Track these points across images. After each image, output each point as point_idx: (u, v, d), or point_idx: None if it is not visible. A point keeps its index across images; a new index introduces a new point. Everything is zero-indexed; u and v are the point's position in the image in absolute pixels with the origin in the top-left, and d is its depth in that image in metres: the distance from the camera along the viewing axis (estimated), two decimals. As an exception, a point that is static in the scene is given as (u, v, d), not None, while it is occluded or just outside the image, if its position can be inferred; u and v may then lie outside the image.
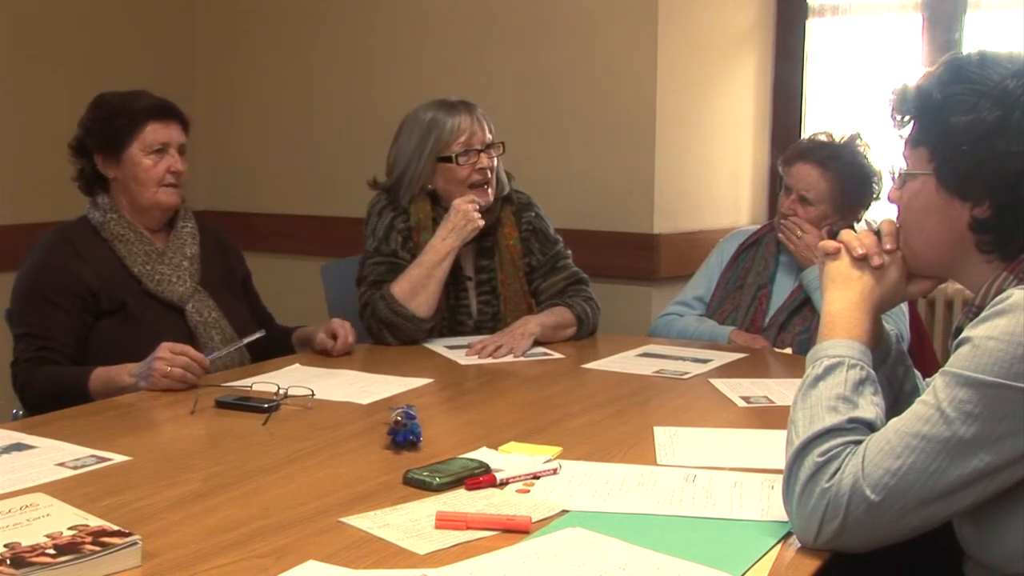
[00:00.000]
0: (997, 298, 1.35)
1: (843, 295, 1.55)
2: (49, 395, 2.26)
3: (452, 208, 2.70)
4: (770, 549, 1.38)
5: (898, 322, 2.70)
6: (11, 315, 2.46)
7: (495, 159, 2.79)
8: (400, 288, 2.67)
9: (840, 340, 1.49)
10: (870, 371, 1.47)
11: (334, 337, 2.56)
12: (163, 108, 2.49)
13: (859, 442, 1.37)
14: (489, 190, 2.77)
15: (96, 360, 2.34)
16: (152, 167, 2.46)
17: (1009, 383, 1.28)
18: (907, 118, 1.51)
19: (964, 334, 1.34)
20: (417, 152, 2.75)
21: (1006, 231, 1.41)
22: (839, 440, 1.38)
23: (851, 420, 1.39)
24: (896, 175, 1.53)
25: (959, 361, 1.32)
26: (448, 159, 2.73)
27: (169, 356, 2.20)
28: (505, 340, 2.62)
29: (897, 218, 1.56)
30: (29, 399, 2.34)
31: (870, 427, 1.40)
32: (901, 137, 1.53)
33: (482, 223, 2.71)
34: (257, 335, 2.45)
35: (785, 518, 1.42)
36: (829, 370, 1.45)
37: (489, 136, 2.77)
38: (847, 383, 1.44)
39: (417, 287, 2.67)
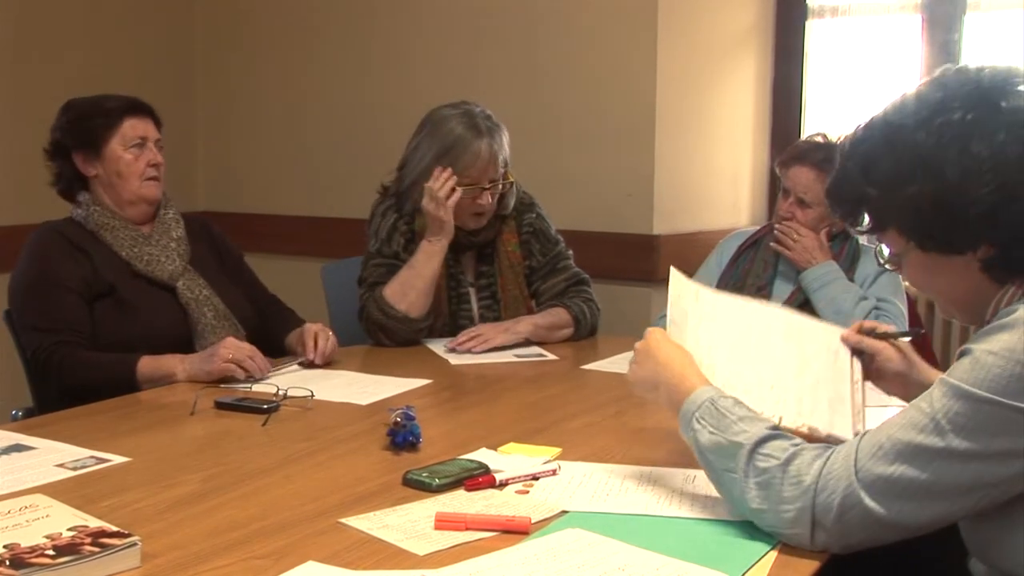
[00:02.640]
0: (1004, 311, 1.34)
1: (664, 375, 1.58)
2: (91, 380, 2.27)
3: (429, 217, 2.66)
4: (769, 550, 1.38)
5: (898, 322, 2.70)
6: (19, 312, 2.44)
7: (497, 194, 2.76)
8: (391, 289, 2.68)
9: (692, 392, 1.51)
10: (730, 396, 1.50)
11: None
12: (137, 105, 2.52)
13: (797, 444, 1.40)
14: (483, 218, 2.76)
15: (92, 344, 2.36)
16: (133, 161, 2.48)
17: (1005, 401, 1.26)
18: (857, 216, 1.49)
19: (967, 345, 1.33)
20: (431, 168, 2.71)
21: (1018, 263, 1.38)
22: (778, 443, 1.40)
23: (770, 427, 1.43)
24: (883, 256, 1.52)
25: (958, 372, 1.31)
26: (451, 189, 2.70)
27: (235, 346, 2.28)
28: (484, 330, 2.64)
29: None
30: (68, 382, 2.30)
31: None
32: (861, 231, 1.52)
33: (450, 220, 2.67)
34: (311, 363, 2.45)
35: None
36: (706, 411, 1.47)
37: (501, 170, 2.74)
38: (731, 408, 1.47)
39: (407, 287, 2.67)
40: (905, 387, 1.72)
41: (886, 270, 1.57)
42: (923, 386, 1.62)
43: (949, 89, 1.39)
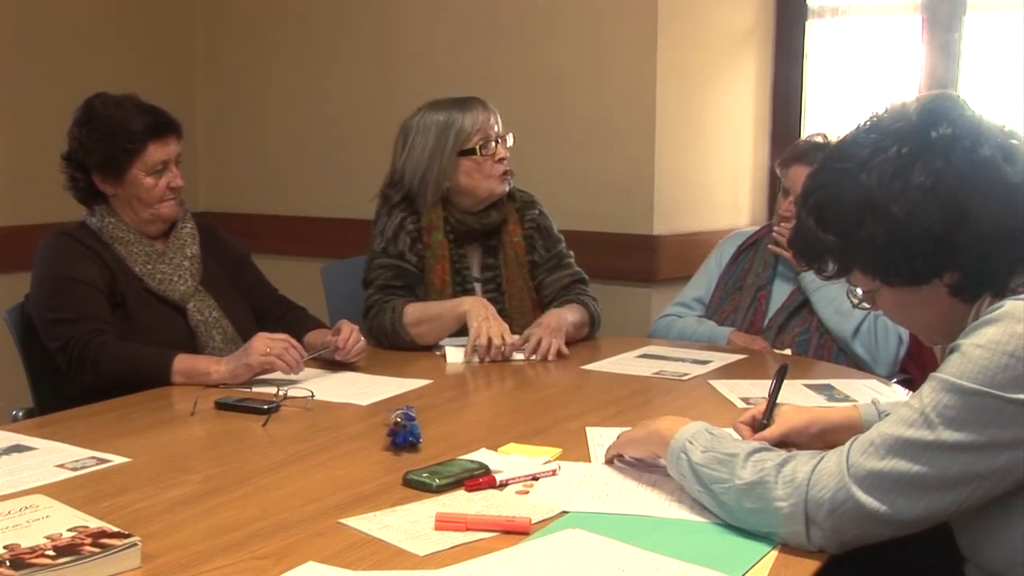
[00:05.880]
0: (991, 307, 1.36)
1: (658, 424, 1.61)
2: (126, 371, 2.28)
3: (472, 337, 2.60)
4: (769, 550, 1.38)
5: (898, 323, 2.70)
6: (43, 307, 2.40)
7: (509, 147, 2.82)
8: (412, 314, 2.68)
9: (686, 425, 1.54)
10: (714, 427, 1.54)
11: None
12: (161, 125, 2.46)
13: (779, 453, 1.43)
14: (506, 180, 2.80)
15: None
16: (154, 186, 2.45)
17: (993, 392, 1.28)
18: (822, 264, 1.52)
19: (956, 342, 1.36)
20: (437, 151, 2.75)
21: (984, 282, 1.41)
22: (772, 452, 1.43)
23: (755, 447, 1.45)
24: (856, 297, 1.55)
25: (947, 367, 1.33)
26: (471, 152, 2.75)
27: (269, 340, 2.26)
28: (545, 335, 2.60)
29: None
30: (104, 371, 2.28)
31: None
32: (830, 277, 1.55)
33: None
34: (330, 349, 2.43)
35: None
36: (700, 435, 1.50)
37: (500, 127, 2.81)
38: (725, 434, 1.51)
39: (430, 318, 2.68)
40: (825, 438, 1.69)
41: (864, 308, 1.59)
42: (848, 425, 1.68)
43: (882, 128, 1.44)
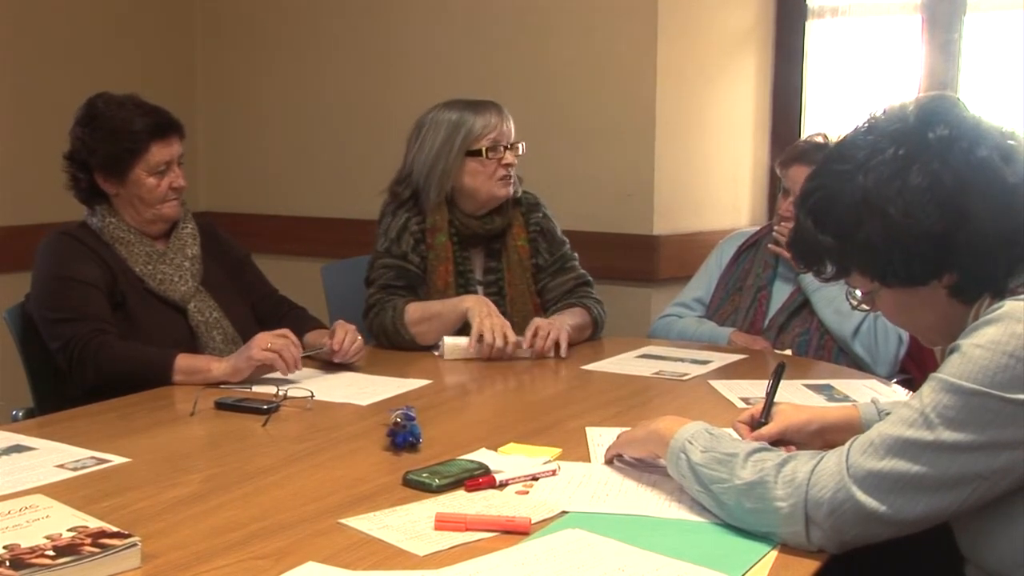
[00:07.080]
0: (990, 307, 1.36)
1: (658, 424, 1.61)
2: (127, 371, 2.28)
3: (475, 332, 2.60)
4: (769, 550, 1.38)
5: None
6: (43, 307, 2.39)
7: (518, 154, 2.82)
8: (413, 313, 2.68)
9: (686, 425, 1.55)
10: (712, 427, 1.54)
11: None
12: (164, 126, 2.46)
13: (779, 453, 1.43)
14: (511, 186, 2.80)
15: None
16: (156, 186, 2.45)
17: (992, 392, 1.28)
18: (821, 266, 1.52)
19: (956, 342, 1.36)
20: (445, 148, 2.75)
21: (982, 283, 1.41)
22: (772, 452, 1.44)
23: (754, 448, 1.45)
24: (855, 299, 1.55)
25: (947, 367, 1.33)
26: (477, 153, 2.74)
27: (271, 337, 2.25)
28: (544, 324, 2.61)
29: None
30: (105, 370, 2.28)
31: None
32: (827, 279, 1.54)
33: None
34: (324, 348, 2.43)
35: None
36: (699, 435, 1.51)
37: (513, 135, 2.80)
38: (724, 434, 1.51)
39: (430, 317, 2.68)
40: (824, 437, 1.69)
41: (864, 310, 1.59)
42: (847, 424, 1.68)
43: (879, 130, 1.44)
